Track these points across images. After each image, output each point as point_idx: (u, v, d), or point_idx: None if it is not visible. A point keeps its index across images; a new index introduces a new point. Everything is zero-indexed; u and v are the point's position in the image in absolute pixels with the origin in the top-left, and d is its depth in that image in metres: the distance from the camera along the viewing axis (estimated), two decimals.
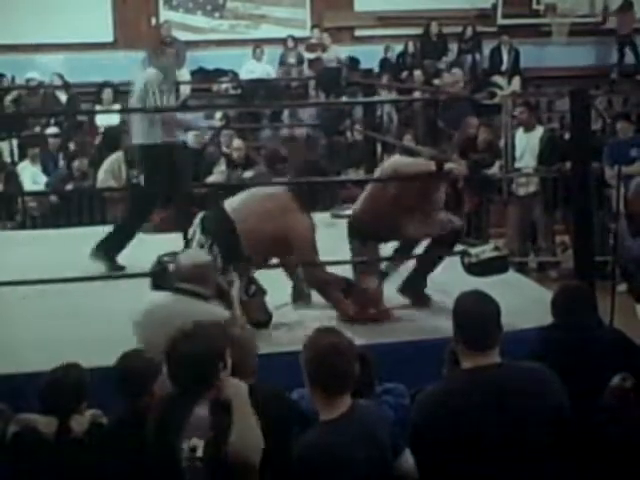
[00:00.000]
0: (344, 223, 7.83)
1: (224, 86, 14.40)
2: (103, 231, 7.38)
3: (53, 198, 10.61)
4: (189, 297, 4.46)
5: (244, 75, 14.36)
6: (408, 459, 3.52)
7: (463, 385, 3.43)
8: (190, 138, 10.48)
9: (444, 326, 5.56)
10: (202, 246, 5.48)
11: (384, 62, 14.99)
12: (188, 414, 3.33)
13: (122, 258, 7.08)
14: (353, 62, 14.77)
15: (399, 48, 15.27)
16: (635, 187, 6.54)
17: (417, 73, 14.44)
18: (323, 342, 3.40)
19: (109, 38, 14.79)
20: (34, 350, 5.24)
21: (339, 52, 14.75)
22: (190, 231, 5.71)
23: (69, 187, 10.60)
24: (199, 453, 3.26)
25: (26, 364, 4.99)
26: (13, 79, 13.43)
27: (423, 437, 3.41)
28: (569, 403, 3.45)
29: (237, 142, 10.78)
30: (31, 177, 10.97)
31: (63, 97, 13.16)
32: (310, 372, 3.38)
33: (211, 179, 10.33)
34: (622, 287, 7.17)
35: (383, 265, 6.25)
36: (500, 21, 15.64)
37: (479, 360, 3.42)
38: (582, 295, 4.52)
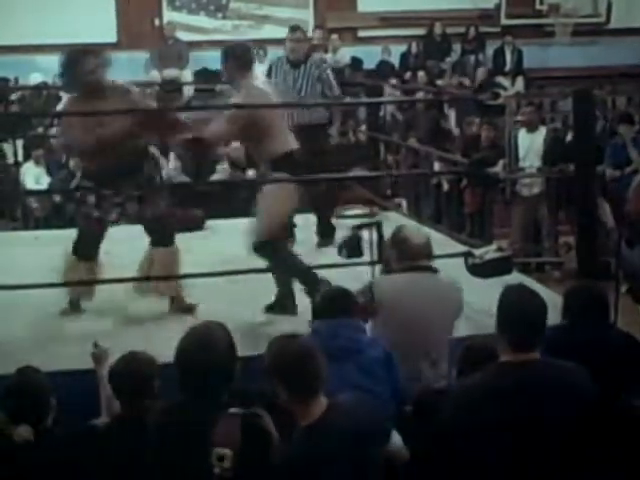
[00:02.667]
0: (347, 223, 7.81)
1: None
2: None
3: (56, 198, 10.61)
4: (428, 273, 4.43)
5: None
6: (396, 441, 3.52)
7: (501, 377, 3.43)
8: None
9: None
10: None
11: (382, 64, 14.97)
12: (214, 421, 3.28)
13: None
14: (356, 63, 14.76)
15: (401, 49, 15.26)
16: (638, 183, 6.50)
17: (420, 74, 14.42)
18: (291, 348, 3.35)
19: (112, 39, 14.77)
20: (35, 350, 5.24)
21: (346, 55, 14.74)
22: None
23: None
24: (227, 464, 3.23)
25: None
26: (16, 80, 13.43)
27: (460, 428, 3.41)
28: (600, 402, 3.45)
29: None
30: (35, 178, 10.98)
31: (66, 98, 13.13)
32: (284, 379, 3.30)
33: (215, 177, 10.40)
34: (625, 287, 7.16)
35: None
36: (503, 21, 15.64)
37: (520, 356, 3.43)
38: (594, 296, 4.43)
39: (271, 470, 3.25)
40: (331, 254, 6.67)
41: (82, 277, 5.93)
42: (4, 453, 3.70)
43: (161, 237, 6.01)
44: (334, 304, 4.13)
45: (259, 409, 3.37)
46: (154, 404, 3.65)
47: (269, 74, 7.75)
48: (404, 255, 4.51)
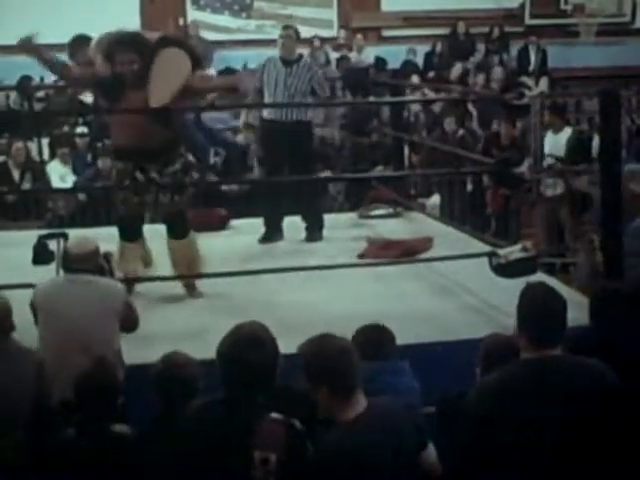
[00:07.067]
0: (372, 223, 7.83)
1: None
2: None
3: (81, 197, 10.66)
4: (83, 274, 4.92)
5: None
6: (431, 454, 3.53)
7: (523, 374, 3.43)
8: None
9: (471, 326, 5.59)
10: None
11: (406, 64, 14.96)
12: (257, 423, 3.30)
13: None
14: (380, 62, 14.76)
15: (425, 48, 15.25)
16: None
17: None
18: (331, 346, 3.37)
19: None
20: None
21: (370, 54, 14.74)
22: None
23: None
24: (271, 467, 3.24)
25: None
26: (42, 79, 13.48)
27: (483, 423, 3.41)
28: (624, 400, 3.45)
29: None
30: (60, 177, 11.02)
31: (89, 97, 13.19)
32: (326, 377, 3.32)
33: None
34: None
35: None
36: (528, 21, 15.63)
37: (540, 352, 3.43)
38: (622, 297, 4.44)
39: (311, 466, 3.27)
40: None
41: (136, 256, 6.46)
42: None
43: (180, 230, 6.42)
44: (370, 347, 4.08)
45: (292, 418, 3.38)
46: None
47: (262, 71, 8.04)
48: (64, 262, 5.16)
